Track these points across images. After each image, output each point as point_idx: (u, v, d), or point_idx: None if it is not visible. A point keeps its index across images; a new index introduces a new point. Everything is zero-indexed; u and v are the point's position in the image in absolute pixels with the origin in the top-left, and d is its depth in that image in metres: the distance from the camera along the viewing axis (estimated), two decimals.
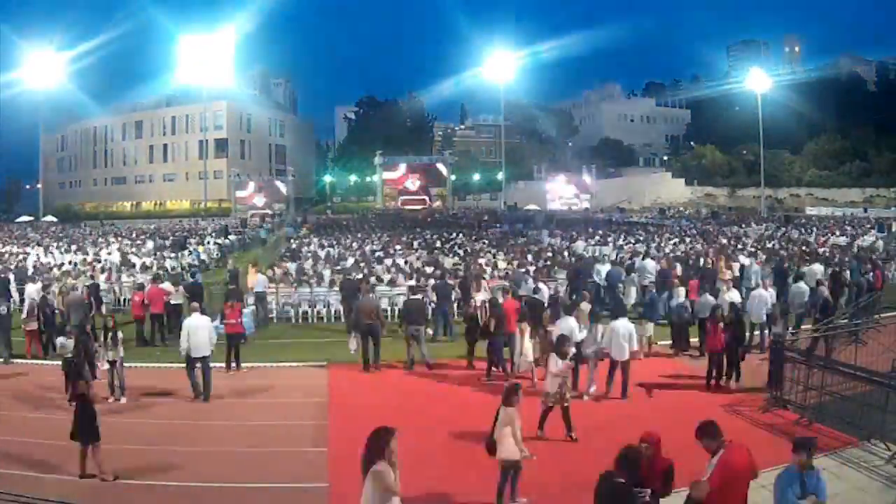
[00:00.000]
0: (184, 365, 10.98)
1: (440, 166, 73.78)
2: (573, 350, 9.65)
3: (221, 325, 13.10)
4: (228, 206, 68.86)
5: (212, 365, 11.07)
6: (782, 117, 63.88)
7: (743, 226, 40.85)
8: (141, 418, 10.14)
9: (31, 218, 57.96)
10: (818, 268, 17.33)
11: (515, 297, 13.26)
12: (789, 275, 16.68)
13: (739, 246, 25.76)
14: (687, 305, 13.55)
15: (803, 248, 25.03)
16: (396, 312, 16.38)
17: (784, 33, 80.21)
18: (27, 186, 71.92)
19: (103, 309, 17.32)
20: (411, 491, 7.79)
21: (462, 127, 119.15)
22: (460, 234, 35.04)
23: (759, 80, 61.53)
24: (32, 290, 16.38)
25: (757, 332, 13.75)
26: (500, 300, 12.59)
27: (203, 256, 28.53)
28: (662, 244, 27.31)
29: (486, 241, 31.46)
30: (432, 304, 15.57)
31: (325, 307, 18.04)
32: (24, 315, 14.62)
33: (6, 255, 27.61)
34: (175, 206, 77.60)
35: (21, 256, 27.03)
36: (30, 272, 20.82)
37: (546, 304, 13.50)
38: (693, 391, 11.09)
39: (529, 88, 72.29)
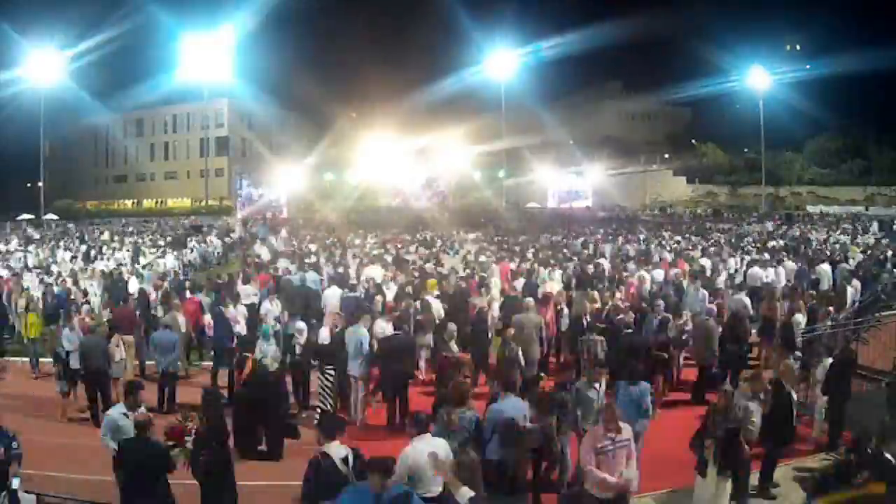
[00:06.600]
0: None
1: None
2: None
3: None
4: (230, 204, 68.77)
5: None
6: (783, 115, 63.76)
7: (744, 224, 40.86)
8: None
9: (32, 217, 57.86)
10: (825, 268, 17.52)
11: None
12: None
13: (741, 244, 25.78)
14: None
15: (804, 246, 25.05)
16: None
17: (785, 31, 79.75)
18: (27, 185, 71.68)
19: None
20: None
21: None
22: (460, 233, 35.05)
23: (761, 78, 61.46)
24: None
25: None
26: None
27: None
28: (664, 242, 27.34)
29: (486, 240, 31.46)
30: None
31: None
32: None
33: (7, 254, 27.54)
34: (176, 205, 77.54)
35: (20, 256, 26.94)
36: (35, 271, 20.77)
37: None
38: None
39: (530, 86, 71.84)
